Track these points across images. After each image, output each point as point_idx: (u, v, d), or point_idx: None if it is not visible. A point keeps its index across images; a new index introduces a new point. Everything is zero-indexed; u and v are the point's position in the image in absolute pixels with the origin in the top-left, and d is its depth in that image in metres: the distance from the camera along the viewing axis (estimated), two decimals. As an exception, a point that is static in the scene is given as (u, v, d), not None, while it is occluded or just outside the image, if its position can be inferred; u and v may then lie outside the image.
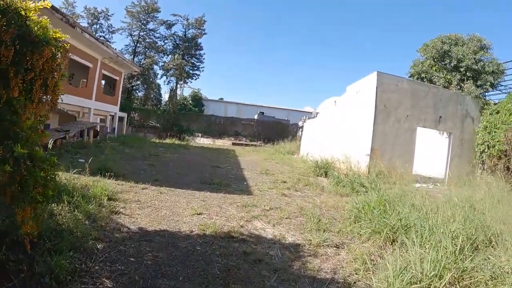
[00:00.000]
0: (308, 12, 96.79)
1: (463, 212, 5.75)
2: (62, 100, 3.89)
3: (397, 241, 5.10)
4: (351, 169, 12.87)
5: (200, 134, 38.48)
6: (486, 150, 14.37)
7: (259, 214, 7.02)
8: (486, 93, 16.50)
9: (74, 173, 8.68)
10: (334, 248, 5.30)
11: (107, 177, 9.17)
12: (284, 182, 11.35)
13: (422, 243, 4.47)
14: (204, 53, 47.44)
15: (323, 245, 5.32)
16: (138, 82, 44.44)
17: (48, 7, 3.39)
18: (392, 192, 7.52)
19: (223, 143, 35.74)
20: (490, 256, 4.31)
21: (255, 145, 35.19)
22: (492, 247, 4.84)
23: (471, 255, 4.16)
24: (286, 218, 6.90)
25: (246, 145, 35.02)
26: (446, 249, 4.12)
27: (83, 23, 41.99)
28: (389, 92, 13.16)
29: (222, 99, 53.47)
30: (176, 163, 14.47)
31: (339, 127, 16.27)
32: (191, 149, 23.89)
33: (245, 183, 10.77)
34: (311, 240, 5.46)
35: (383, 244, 5.26)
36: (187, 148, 24.32)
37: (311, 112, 33.65)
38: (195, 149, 24.88)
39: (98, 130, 24.10)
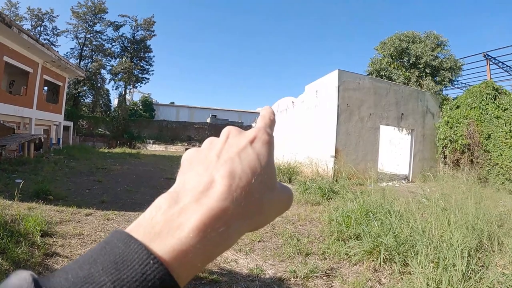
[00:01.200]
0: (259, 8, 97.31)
1: (454, 217, 5.28)
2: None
3: (393, 261, 4.49)
4: (317, 173, 12.48)
5: (151, 141, 37.18)
6: (448, 145, 14.62)
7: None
8: (445, 89, 16.96)
9: (7, 199, 7.74)
10: (325, 277, 4.51)
11: (45, 202, 8.09)
12: None
13: (424, 261, 3.94)
14: (153, 56, 46.14)
15: (311, 276, 4.52)
16: (85, 88, 41.96)
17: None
18: (371, 199, 6.93)
19: (176, 149, 34.61)
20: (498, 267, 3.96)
21: None
22: (493, 252, 4.55)
23: (479, 270, 3.74)
24: (258, 241, 6.01)
25: None
26: (455, 266, 3.62)
27: (26, 25, 39.39)
28: (351, 90, 12.95)
29: (173, 103, 52.06)
30: (126, 178, 13.21)
31: (300, 129, 15.85)
32: (142, 159, 22.61)
33: None
34: (296, 272, 4.59)
35: (378, 266, 4.64)
36: (138, 158, 22.96)
37: None
38: (146, 158, 23.61)
39: (42, 142, 22.26)
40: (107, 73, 44.08)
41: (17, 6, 41.69)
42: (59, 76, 24.29)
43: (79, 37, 42.44)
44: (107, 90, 46.10)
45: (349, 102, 12.85)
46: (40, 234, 5.58)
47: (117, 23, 43.51)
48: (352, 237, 5.54)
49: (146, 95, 47.63)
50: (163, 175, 14.22)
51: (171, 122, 42.21)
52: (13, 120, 19.25)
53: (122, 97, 43.03)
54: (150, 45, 45.26)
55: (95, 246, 0.30)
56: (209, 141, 0.41)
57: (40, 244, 5.31)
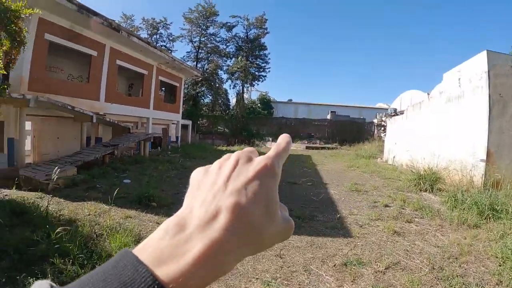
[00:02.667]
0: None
1: None
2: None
3: None
4: (466, 181, 9.56)
5: (270, 139, 36.03)
6: None
7: (374, 285, 4.15)
8: None
9: (107, 202, 7.11)
10: None
11: (147, 210, 7.03)
12: (387, 206, 8.26)
13: None
14: (268, 53, 44.70)
15: None
16: (203, 89, 42.99)
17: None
18: None
19: (296, 147, 32.93)
20: None
21: (331, 147, 31.87)
22: None
23: None
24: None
25: (322, 148, 31.76)
26: None
27: (143, 34, 41.59)
28: (503, 76, 9.68)
29: (291, 100, 50.17)
30: (243, 179, 11.87)
31: (439, 126, 12.73)
32: None
33: (335, 212, 7.73)
34: None
35: None
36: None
37: (386, 109, 30.33)
38: (265, 156, 22.25)
39: (161, 139, 22.80)
40: (224, 73, 44.47)
41: (132, 18, 44.45)
42: (175, 77, 24.67)
43: (193, 40, 43.47)
44: (225, 90, 46.61)
45: (502, 91, 9.59)
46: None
47: (229, 24, 43.45)
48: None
49: (264, 93, 46.91)
50: (284, 178, 12.42)
51: (289, 119, 40.69)
52: (131, 120, 19.83)
53: (240, 96, 42.99)
54: (264, 42, 44.21)
55: (106, 264, 0.33)
56: (218, 165, 0.43)
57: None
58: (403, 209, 7.95)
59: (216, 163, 0.44)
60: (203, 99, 44.79)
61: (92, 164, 12.04)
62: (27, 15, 3.87)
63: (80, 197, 7.86)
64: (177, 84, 25.60)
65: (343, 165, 17.72)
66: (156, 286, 0.30)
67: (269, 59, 44.64)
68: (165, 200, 7.87)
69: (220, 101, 45.53)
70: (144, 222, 6.25)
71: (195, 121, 35.13)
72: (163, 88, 26.75)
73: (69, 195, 8.05)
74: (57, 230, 4.56)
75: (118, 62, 17.24)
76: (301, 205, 8.11)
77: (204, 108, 44.14)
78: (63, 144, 14.32)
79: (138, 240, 5.09)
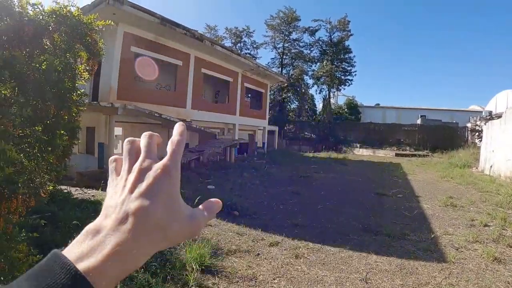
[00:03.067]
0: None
1: None
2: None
3: None
4: None
5: (358, 145, 34.35)
6: None
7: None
8: None
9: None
10: None
11: (228, 218, 6.61)
12: (486, 225, 6.89)
13: None
14: (354, 56, 43.06)
15: None
16: (289, 94, 42.82)
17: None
18: None
19: (385, 154, 30.79)
20: None
21: (421, 155, 29.50)
22: None
23: None
24: None
25: (412, 155, 29.52)
26: None
27: (227, 43, 42.59)
28: None
29: (378, 104, 48.09)
30: (329, 190, 10.95)
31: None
32: (349, 165, 19.79)
33: (428, 230, 6.57)
34: None
35: None
36: (344, 164, 20.24)
37: (481, 111, 27.20)
38: (353, 164, 20.77)
39: (248, 145, 22.86)
40: (310, 78, 43.88)
41: (215, 28, 45.88)
42: (260, 84, 24.58)
43: (277, 47, 43.49)
44: (312, 95, 46.05)
45: None
46: (200, 269, 4.17)
47: (311, 28, 42.64)
48: None
49: (351, 98, 45.54)
50: (372, 189, 11.26)
51: (378, 124, 38.67)
52: (217, 127, 20.07)
53: (326, 101, 42.13)
54: (348, 45, 42.75)
55: (37, 264, 0.39)
56: (126, 173, 0.48)
57: (194, 286, 3.75)
58: (504, 229, 6.59)
59: (124, 171, 0.48)
60: (289, 105, 44.55)
61: (178, 169, 12.17)
62: (100, 26, 3.81)
63: (163, 203, 7.78)
64: (263, 91, 25.49)
65: (436, 175, 16.01)
66: (78, 276, 0.37)
67: (354, 62, 43.15)
68: (247, 209, 7.50)
69: (306, 107, 44.98)
70: (224, 232, 5.83)
71: (282, 126, 34.92)
72: (249, 95, 26.89)
73: (151, 200, 8.04)
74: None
75: (203, 70, 17.52)
76: (391, 221, 7.17)
77: (290, 114, 43.88)
78: (155, 148, 14.92)
79: (215, 252, 4.68)
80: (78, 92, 3.89)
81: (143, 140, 0.52)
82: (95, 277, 0.38)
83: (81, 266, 0.38)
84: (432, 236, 6.14)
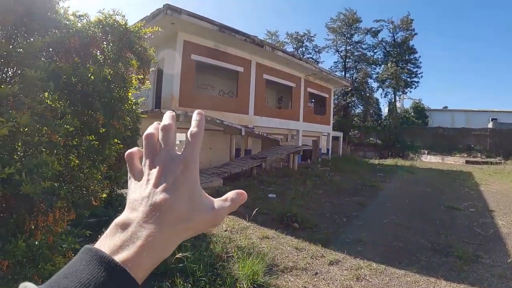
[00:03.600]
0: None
1: None
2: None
3: None
4: None
5: (426, 151, 32.26)
6: None
7: None
8: None
9: (247, 218, 6.69)
10: None
11: (287, 231, 6.33)
12: None
13: None
14: (419, 56, 40.73)
15: None
16: (354, 99, 41.41)
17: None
18: None
19: (454, 161, 28.56)
20: None
21: (493, 162, 27.03)
22: None
23: None
24: None
25: (483, 163, 27.25)
26: None
27: (289, 48, 42.47)
28: None
29: (446, 107, 45.22)
30: (395, 201, 10.21)
31: None
32: (416, 173, 18.54)
33: (505, 253, 5.76)
34: None
35: None
36: (411, 172, 19.01)
37: None
38: (421, 172, 19.46)
39: (311, 152, 22.39)
40: (374, 82, 42.28)
41: (276, 34, 45.94)
42: (323, 88, 23.98)
43: (339, 50, 42.50)
44: (376, 99, 44.38)
45: None
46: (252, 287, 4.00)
47: (373, 29, 41.08)
48: None
49: (417, 101, 43.26)
50: (442, 201, 10.35)
51: (446, 129, 36.25)
52: (281, 133, 19.85)
53: (392, 105, 40.40)
54: (413, 45, 40.56)
55: (72, 261, 0.40)
56: (147, 156, 0.51)
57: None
58: None
59: (145, 166, 0.50)
60: (354, 110, 43.19)
61: (239, 176, 12.15)
62: (149, 34, 3.91)
63: (221, 210, 7.73)
64: (326, 95, 24.85)
65: (511, 185, 14.41)
66: (118, 268, 0.38)
67: (420, 63, 40.92)
68: (308, 221, 7.15)
69: (371, 111, 43.49)
70: (281, 246, 5.56)
71: (346, 132, 34.02)
72: (312, 100, 26.39)
73: (210, 207, 8.02)
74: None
75: (265, 76, 17.44)
76: (462, 239, 6.44)
77: (355, 119, 42.68)
78: (215, 155, 15.08)
79: (270, 268, 4.42)
80: (130, 101, 3.86)
81: (161, 134, 0.52)
82: (132, 268, 0.40)
83: (117, 258, 0.40)
84: (509, 260, 5.38)
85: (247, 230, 6.31)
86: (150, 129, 0.53)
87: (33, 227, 2.22)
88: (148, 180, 0.48)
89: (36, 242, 2.41)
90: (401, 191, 12.20)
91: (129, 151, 0.53)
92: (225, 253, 4.87)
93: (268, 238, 5.89)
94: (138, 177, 0.50)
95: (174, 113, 0.54)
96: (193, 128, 0.52)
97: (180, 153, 0.50)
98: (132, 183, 0.50)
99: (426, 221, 7.85)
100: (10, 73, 2.60)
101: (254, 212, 6.64)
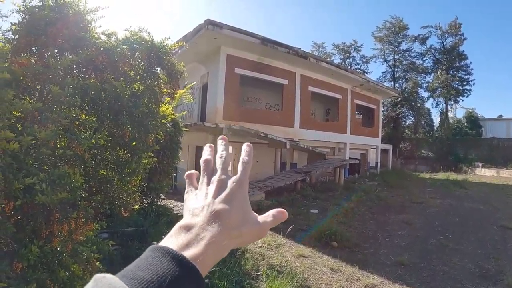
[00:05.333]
0: None
1: None
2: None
3: None
4: None
5: (480, 164, 30.01)
6: None
7: None
8: None
9: (287, 235, 6.49)
10: None
11: (325, 250, 6.12)
12: None
13: None
14: (470, 63, 38.25)
15: None
16: (404, 109, 39.80)
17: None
18: None
19: (510, 174, 26.31)
20: None
21: None
22: None
23: None
24: None
25: None
26: None
27: (336, 59, 42.04)
28: None
29: (501, 116, 40.93)
30: (444, 220, 9.60)
31: None
32: (469, 188, 17.20)
33: None
34: None
35: None
36: (463, 187, 17.60)
37: None
38: (474, 187, 18.11)
39: (359, 165, 21.71)
40: (424, 91, 40.43)
41: (323, 45, 45.59)
42: (371, 99, 23.31)
43: (387, 59, 41.28)
44: (428, 110, 42.24)
45: None
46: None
47: (421, 36, 39.35)
48: None
49: (470, 110, 40.22)
50: (496, 220, 9.57)
51: (501, 139, 33.39)
52: (328, 146, 19.46)
53: (443, 115, 38.50)
54: (463, 51, 38.26)
55: (140, 257, 0.45)
56: (205, 185, 0.60)
57: None
58: None
59: (203, 183, 0.60)
60: (404, 121, 41.34)
61: (283, 190, 12.02)
62: (176, 49, 3.97)
63: (260, 225, 7.65)
64: (374, 107, 24.09)
65: None
66: (188, 264, 0.43)
67: (471, 69, 38.27)
68: (348, 239, 6.88)
69: (423, 122, 41.54)
70: (316, 266, 5.36)
71: (396, 145, 32.87)
72: (360, 112, 25.71)
73: (250, 222, 7.96)
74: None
75: (310, 88, 17.26)
76: None
77: (406, 131, 40.93)
78: (261, 168, 15.02)
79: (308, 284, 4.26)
80: (159, 115, 3.94)
81: (218, 161, 0.63)
82: (198, 264, 0.45)
83: (185, 255, 0.45)
84: None
85: (283, 247, 6.18)
86: (206, 154, 0.65)
87: (49, 234, 2.31)
88: (207, 193, 0.57)
89: (58, 248, 2.51)
90: (451, 208, 11.45)
91: (188, 172, 0.65)
92: (255, 270, 4.79)
93: (304, 257, 5.73)
94: (196, 191, 0.60)
95: (251, 147, 0.66)
96: (244, 157, 0.63)
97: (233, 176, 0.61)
98: (191, 195, 0.60)
99: (475, 242, 7.32)
100: (38, 87, 2.76)
101: (292, 229, 6.51)
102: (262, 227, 0.58)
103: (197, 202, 0.56)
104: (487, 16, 69.46)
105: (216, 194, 0.56)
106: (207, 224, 0.51)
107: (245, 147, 0.65)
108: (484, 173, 28.17)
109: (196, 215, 0.53)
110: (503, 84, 80.00)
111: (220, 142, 0.67)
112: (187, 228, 0.50)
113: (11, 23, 2.88)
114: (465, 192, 15.70)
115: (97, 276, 0.40)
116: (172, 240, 0.49)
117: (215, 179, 0.59)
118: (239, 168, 0.61)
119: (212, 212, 0.52)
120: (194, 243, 0.48)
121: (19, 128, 2.36)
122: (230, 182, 0.58)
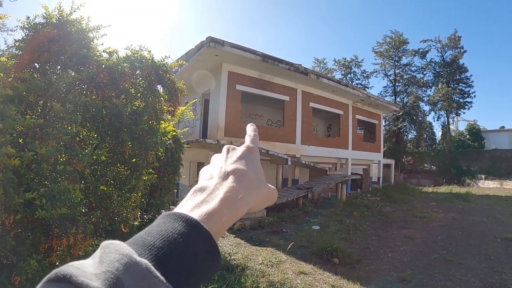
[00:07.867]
0: None
1: None
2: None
3: None
4: None
5: (483, 176, 29.81)
6: None
7: None
8: None
9: (288, 252, 6.58)
10: None
11: (326, 267, 6.08)
12: None
13: None
14: (471, 75, 38.43)
15: None
16: (406, 124, 39.93)
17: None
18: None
19: None
20: None
21: None
22: None
23: None
24: None
25: None
26: None
27: (337, 75, 42.47)
28: None
29: (503, 127, 40.77)
30: (447, 234, 9.51)
31: None
32: (472, 201, 17.05)
33: None
34: None
35: None
36: (467, 200, 17.37)
37: None
38: (478, 200, 17.95)
39: (362, 181, 21.65)
40: (425, 105, 40.52)
41: (324, 61, 46.28)
42: (372, 114, 23.43)
43: (388, 74, 41.63)
44: (430, 123, 42.33)
45: None
46: None
47: (421, 50, 39.79)
48: None
49: (472, 123, 40.14)
50: (499, 232, 9.47)
51: (504, 151, 33.17)
52: (329, 162, 19.45)
53: (445, 128, 38.43)
54: (463, 63, 38.59)
55: (153, 223, 0.45)
56: (216, 155, 0.61)
57: None
58: None
59: (215, 155, 0.61)
60: (406, 135, 41.53)
61: (284, 206, 11.98)
62: (176, 67, 3.90)
63: (261, 241, 7.61)
64: (376, 122, 24.18)
65: None
66: (202, 229, 0.43)
67: (472, 82, 38.44)
68: (350, 256, 6.79)
69: (425, 136, 41.64)
70: (317, 282, 5.32)
71: (399, 159, 32.79)
72: (361, 127, 25.78)
73: (251, 238, 7.91)
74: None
75: (311, 104, 17.37)
76: None
77: (408, 145, 41.06)
78: (263, 184, 15.05)
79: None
80: (160, 132, 3.99)
81: (247, 138, 0.65)
82: (214, 217, 0.46)
83: (201, 211, 0.46)
84: None
85: (283, 264, 6.14)
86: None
87: (48, 249, 2.33)
88: (219, 161, 0.58)
89: (57, 263, 2.52)
90: (454, 222, 11.34)
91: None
92: (255, 287, 4.75)
93: (305, 274, 5.68)
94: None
95: (254, 126, 0.69)
96: (250, 132, 0.66)
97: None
98: (205, 167, 0.60)
99: (479, 256, 7.23)
100: (40, 103, 2.82)
101: (293, 246, 6.49)
102: (275, 191, 0.60)
103: (211, 169, 0.57)
104: (490, 27, 70.04)
105: (227, 159, 0.57)
106: (221, 183, 0.52)
107: (249, 126, 0.68)
108: (487, 185, 27.98)
109: (210, 179, 0.54)
110: (504, 94, 79.89)
111: (250, 128, 0.68)
112: (202, 189, 0.51)
113: (15, 39, 2.97)
114: (468, 205, 15.56)
115: (105, 242, 0.39)
116: (186, 204, 0.49)
117: (224, 149, 0.61)
118: (247, 139, 0.64)
119: (226, 172, 0.54)
120: (209, 200, 0.49)
121: (21, 143, 2.41)
122: (240, 148, 0.60)
